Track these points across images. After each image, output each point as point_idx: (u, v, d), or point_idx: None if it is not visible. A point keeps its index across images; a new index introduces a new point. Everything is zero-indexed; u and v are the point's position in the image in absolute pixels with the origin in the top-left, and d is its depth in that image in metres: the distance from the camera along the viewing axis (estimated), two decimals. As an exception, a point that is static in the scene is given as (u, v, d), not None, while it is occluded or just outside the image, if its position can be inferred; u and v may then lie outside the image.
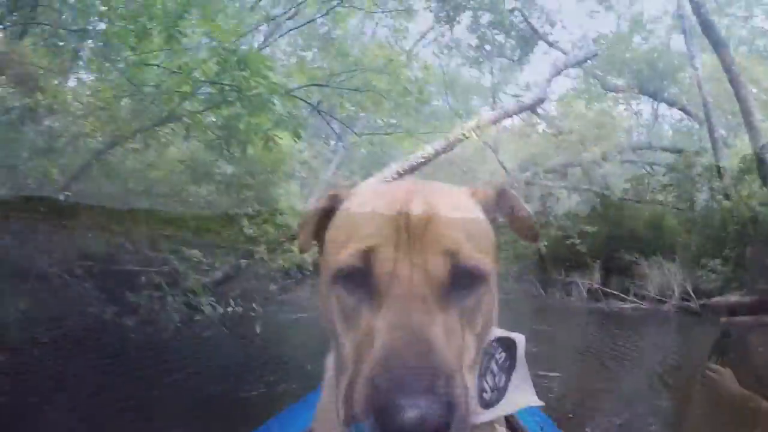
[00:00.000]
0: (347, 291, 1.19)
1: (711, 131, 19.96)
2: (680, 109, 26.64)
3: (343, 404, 1.11)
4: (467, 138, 16.85)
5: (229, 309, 10.09)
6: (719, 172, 19.40)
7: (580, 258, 22.60)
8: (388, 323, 1.10)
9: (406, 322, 1.08)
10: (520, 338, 1.49)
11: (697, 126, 26.67)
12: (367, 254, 1.15)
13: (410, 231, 1.15)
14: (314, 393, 1.79)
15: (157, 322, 8.25)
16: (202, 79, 7.24)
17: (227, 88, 7.00)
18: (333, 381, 1.45)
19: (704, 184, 21.38)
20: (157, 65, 6.95)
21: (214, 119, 7.87)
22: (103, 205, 8.59)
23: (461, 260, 1.16)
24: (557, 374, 8.60)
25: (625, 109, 29.54)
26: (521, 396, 1.46)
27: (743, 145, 20.13)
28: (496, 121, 18.90)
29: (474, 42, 26.85)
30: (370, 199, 1.28)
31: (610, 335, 15.16)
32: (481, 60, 27.83)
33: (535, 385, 1.58)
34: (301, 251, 1.49)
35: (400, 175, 16.33)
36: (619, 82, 26.76)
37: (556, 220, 24.45)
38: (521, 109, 19.41)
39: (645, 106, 30.67)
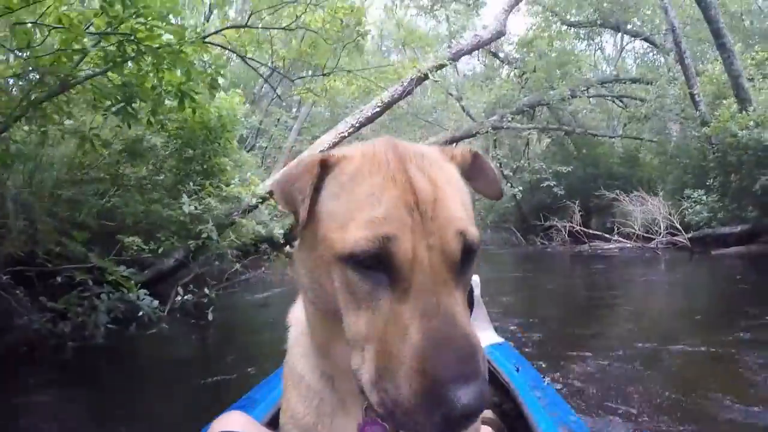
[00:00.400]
0: (359, 274, 1.15)
1: (681, 57, 19.03)
2: (644, 40, 25.80)
3: (374, 391, 1.13)
4: (425, 78, 15.60)
5: (178, 298, 9.16)
6: (693, 99, 18.47)
7: (558, 200, 21.88)
8: (420, 312, 1.10)
9: (437, 309, 1.10)
10: (475, 280, 1.77)
11: (661, 58, 26.12)
12: (386, 240, 1.11)
13: (420, 211, 1.15)
14: None
15: (87, 326, 7.29)
16: (93, 32, 5.96)
17: (123, 39, 5.81)
18: (300, 338, 1.55)
19: (677, 113, 20.68)
20: (35, 23, 5.64)
21: (116, 81, 6.59)
22: (23, 201, 7.51)
23: (469, 239, 1.17)
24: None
25: (588, 45, 29.07)
26: (482, 335, 1.70)
27: (713, 73, 19.24)
28: (454, 59, 17.70)
29: None
30: (364, 167, 1.24)
31: (596, 278, 14.43)
32: (436, 8, 27.08)
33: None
34: (302, 226, 1.28)
35: (356, 128, 15.56)
36: (580, 17, 26.01)
37: (529, 164, 23.80)
38: (480, 44, 18.17)
39: (606, 40, 30.27)
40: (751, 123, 15.28)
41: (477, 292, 1.79)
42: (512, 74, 25.64)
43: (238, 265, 11.56)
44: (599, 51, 30.88)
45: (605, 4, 24.74)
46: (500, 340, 2.73)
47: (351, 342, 1.20)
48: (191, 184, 9.75)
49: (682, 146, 20.36)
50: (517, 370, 3.41)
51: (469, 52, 18.56)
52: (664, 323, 9.11)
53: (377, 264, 1.13)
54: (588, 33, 27.60)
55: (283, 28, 10.19)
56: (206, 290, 9.30)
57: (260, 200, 10.96)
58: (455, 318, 1.10)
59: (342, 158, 1.28)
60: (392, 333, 1.11)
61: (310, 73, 13.79)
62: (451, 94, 24.16)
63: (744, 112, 15.75)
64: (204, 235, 9.28)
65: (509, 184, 22.62)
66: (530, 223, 24.41)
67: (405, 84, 15.03)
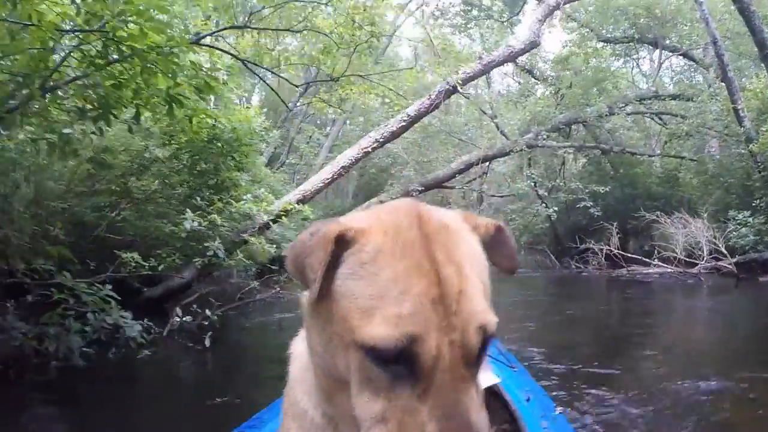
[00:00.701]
0: (380, 366, 1.13)
1: (724, 70, 18.20)
2: (683, 56, 25.08)
3: None
4: (453, 91, 14.94)
5: (176, 320, 8.53)
6: (737, 114, 17.57)
7: (594, 222, 21.01)
8: (438, 413, 1.10)
9: (455, 410, 1.11)
10: None
11: (699, 76, 25.24)
12: (412, 339, 1.09)
13: (445, 304, 1.13)
14: None
15: (59, 348, 6.74)
16: (69, 29, 5.42)
17: (102, 39, 5.27)
18: (305, 375, 1.48)
19: (720, 130, 19.80)
20: (3, 19, 5.11)
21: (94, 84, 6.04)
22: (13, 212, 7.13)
23: (489, 331, 1.17)
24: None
25: (624, 62, 28.43)
26: (482, 377, 1.38)
27: (757, 86, 18.46)
28: (485, 71, 17.07)
29: (460, 7, 25.86)
30: (386, 246, 1.19)
31: (633, 306, 13.65)
32: (470, 26, 26.79)
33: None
34: (314, 302, 1.23)
35: (380, 143, 14.98)
36: (617, 33, 25.37)
37: (564, 183, 23.04)
38: (513, 56, 17.44)
39: (644, 56, 29.66)
40: (802, 139, 14.36)
41: None
42: (548, 91, 25.04)
43: (256, 283, 11.11)
44: (636, 67, 30.15)
45: (642, 20, 24.10)
46: (497, 380, 2.80)
47: (359, 419, 1.19)
48: (198, 199, 9.27)
49: (726, 164, 19.45)
50: (528, 400, 3.53)
51: (501, 63, 17.91)
52: (701, 357, 8.43)
53: (399, 359, 1.11)
54: (625, 49, 26.98)
55: (287, 30, 9.52)
56: (207, 312, 8.63)
57: (272, 219, 10.35)
58: (470, 419, 1.11)
59: (361, 234, 1.22)
60: (410, 425, 1.11)
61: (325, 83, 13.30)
62: (484, 112, 23.58)
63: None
64: (210, 253, 8.76)
65: (544, 205, 21.93)
66: (565, 245, 23.56)
67: (432, 97, 14.44)
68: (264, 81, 10.64)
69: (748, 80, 20.47)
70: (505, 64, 23.51)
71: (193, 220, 8.43)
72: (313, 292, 1.19)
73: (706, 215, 17.91)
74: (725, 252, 16.48)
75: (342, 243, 1.21)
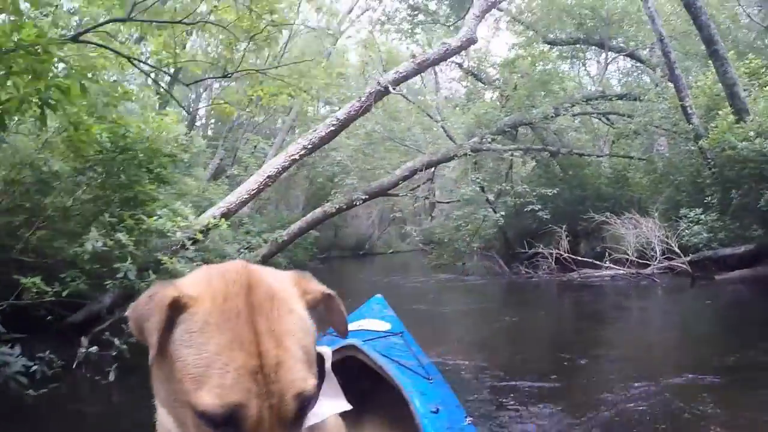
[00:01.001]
0: (211, 428, 1.20)
1: (671, 68, 18.01)
2: (629, 56, 25.04)
3: None
4: (385, 92, 14.32)
5: (82, 350, 7.74)
6: (685, 111, 17.35)
7: (544, 225, 20.56)
8: None
9: None
10: (327, 353, 1.68)
11: (646, 77, 25.49)
12: (234, 408, 1.17)
13: (264, 373, 1.19)
14: None
15: None
16: None
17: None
18: None
19: (668, 128, 19.59)
20: None
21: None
22: None
23: (307, 396, 1.25)
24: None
25: (571, 64, 28.38)
26: (331, 404, 1.70)
27: (705, 84, 18.35)
28: (420, 71, 16.45)
29: (406, 12, 25.66)
30: (212, 317, 1.23)
31: (582, 310, 13.26)
32: (416, 31, 26.58)
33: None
34: (153, 361, 1.28)
35: (309, 150, 14.22)
36: (562, 35, 25.30)
37: (512, 187, 22.61)
38: (448, 54, 16.86)
39: (590, 57, 29.58)
40: (752, 134, 14.12)
41: (327, 365, 1.64)
42: (494, 95, 24.74)
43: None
44: (584, 69, 30.11)
45: (588, 21, 23.96)
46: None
47: None
48: (107, 216, 8.47)
49: (675, 162, 19.26)
50: (436, 411, 3.56)
51: (437, 62, 17.37)
52: (647, 365, 8.05)
53: (227, 421, 1.17)
54: (572, 51, 26.87)
55: (178, 22, 8.53)
56: (116, 341, 7.71)
57: (189, 237, 9.43)
58: None
59: (193, 301, 1.25)
60: None
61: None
62: (431, 116, 23.08)
63: (742, 122, 14.62)
64: (120, 275, 7.93)
65: (492, 210, 21.46)
66: (515, 250, 23.07)
67: (363, 99, 13.80)
68: (146, 74, 9.69)
69: (694, 79, 20.35)
70: (453, 69, 23.16)
71: (97, 240, 7.63)
72: (151, 355, 1.23)
73: (657, 214, 17.64)
74: (678, 251, 16.14)
75: (176, 308, 1.23)
